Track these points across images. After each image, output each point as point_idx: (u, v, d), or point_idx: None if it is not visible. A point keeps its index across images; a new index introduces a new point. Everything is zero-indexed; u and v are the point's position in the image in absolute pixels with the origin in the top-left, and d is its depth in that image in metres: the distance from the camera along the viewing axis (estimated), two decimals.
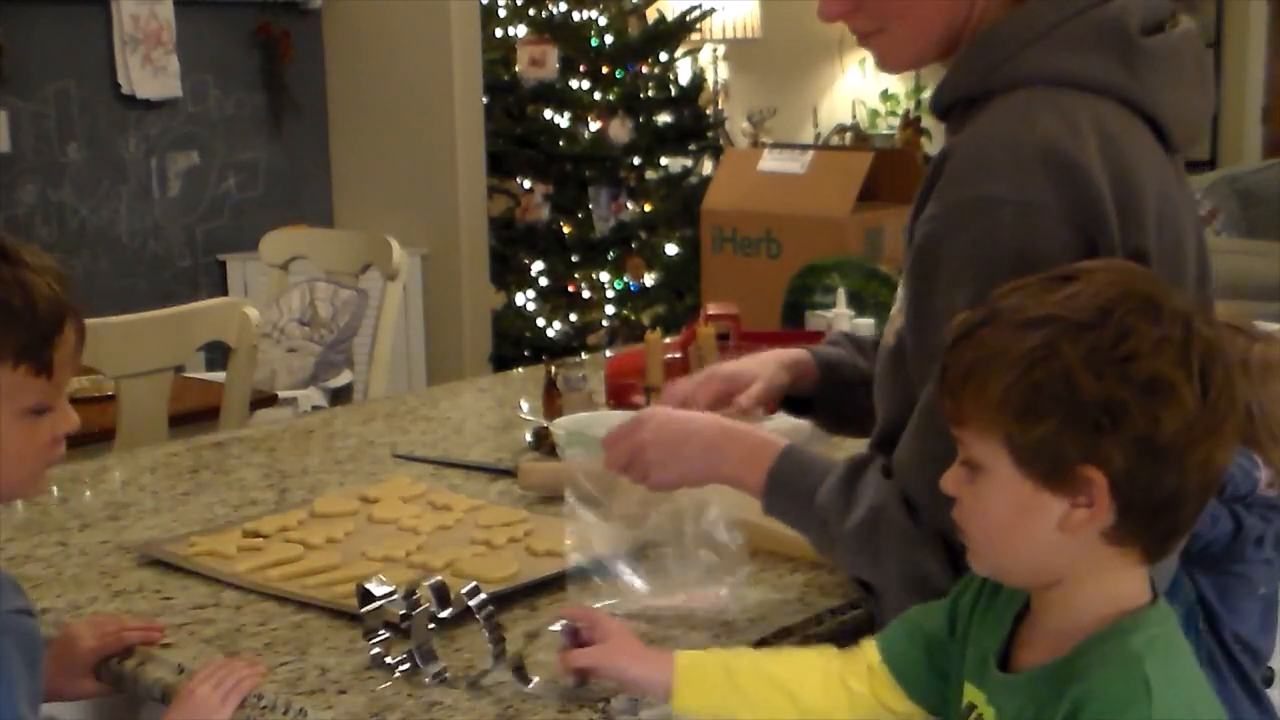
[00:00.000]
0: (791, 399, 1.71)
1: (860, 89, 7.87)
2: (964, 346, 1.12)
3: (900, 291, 1.42)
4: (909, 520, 1.30)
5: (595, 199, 5.47)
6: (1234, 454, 1.12)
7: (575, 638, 1.31)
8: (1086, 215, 1.23)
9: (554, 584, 1.56)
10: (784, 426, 2.10)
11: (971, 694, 1.19)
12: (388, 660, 1.38)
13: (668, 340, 2.34)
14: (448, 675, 1.37)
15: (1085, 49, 1.31)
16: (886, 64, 1.43)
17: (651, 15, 5.69)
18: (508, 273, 5.53)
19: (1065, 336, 1.06)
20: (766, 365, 1.68)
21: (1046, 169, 1.24)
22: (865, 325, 2.53)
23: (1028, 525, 1.09)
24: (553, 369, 2.27)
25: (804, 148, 5.40)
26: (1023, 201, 1.23)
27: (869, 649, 1.26)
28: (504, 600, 1.53)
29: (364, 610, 1.41)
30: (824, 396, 1.71)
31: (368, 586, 1.41)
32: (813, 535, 1.40)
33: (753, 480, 1.41)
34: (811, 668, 1.27)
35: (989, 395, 1.08)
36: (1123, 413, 1.05)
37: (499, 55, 5.45)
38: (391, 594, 1.41)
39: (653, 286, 5.51)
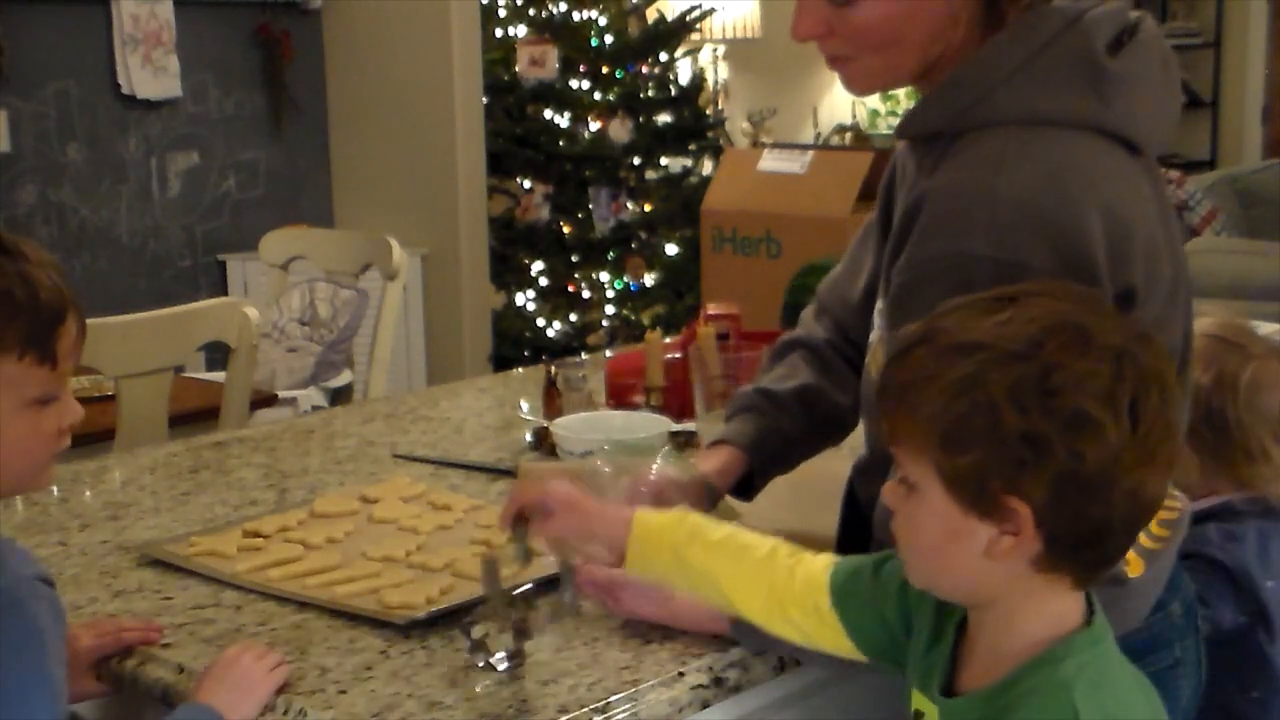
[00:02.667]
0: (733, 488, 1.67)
1: None
2: (900, 366, 1.12)
3: (876, 324, 1.43)
4: None
5: (595, 199, 5.47)
6: (1168, 483, 1.12)
7: (525, 522, 1.37)
8: (1071, 269, 1.22)
9: (554, 584, 1.56)
10: None
11: (919, 702, 1.20)
12: (491, 661, 1.38)
13: (668, 340, 2.34)
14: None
15: (1056, 85, 1.31)
16: (854, 88, 1.43)
17: (651, 15, 5.69)
18: (508, 273, 5.53)
19: (993, 366, 1.06)
20: (692, 494, 1.58)
21: (1027, 226, 1.24)
22: None
23: (956, 548, 1.10)
24: (553, 369, 2.27)
25: (804, 148, 5.40)
26: (1000, 259, 1.24)
27: (819, 591, 1.27)
28: None
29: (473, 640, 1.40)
30: (763, 479, 1.67)
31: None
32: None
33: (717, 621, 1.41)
34: (758, 584, 1.29)
35: (919, 419, 1.09)
36: (1045, 447, 1.05)
37: (499, 55, 5.46)
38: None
39: (653, 286, 5.51)
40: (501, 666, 1.37)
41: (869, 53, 1.37)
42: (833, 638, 1.27)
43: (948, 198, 1.29)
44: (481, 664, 1.37)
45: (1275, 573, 1.82)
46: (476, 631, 1.39)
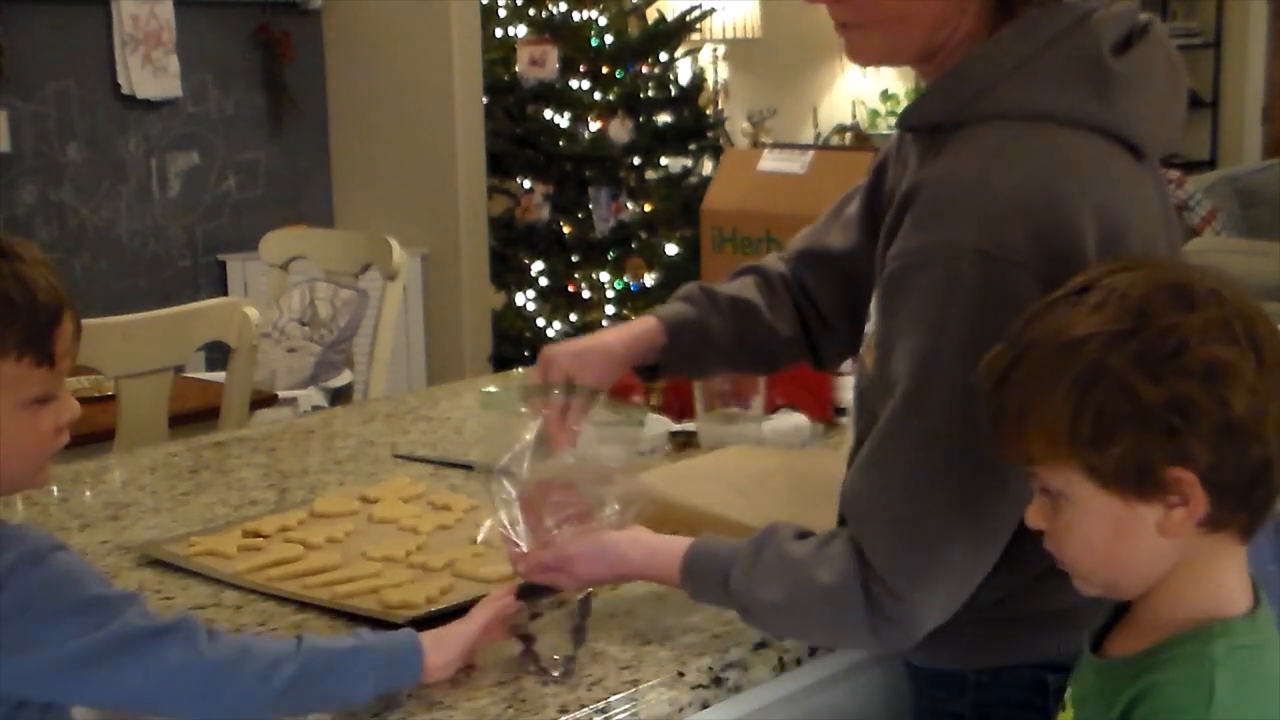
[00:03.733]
0: (640, 368, 1.67)
1: (860, 89, 7.87)
2: (1006, 391, 1.10)
3: (873, 314, 1.43)
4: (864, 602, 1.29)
5: (595, 199, 5.47)
6: None
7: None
8: (1059, 267, 1.21)
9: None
10: (783, 426, 2.10)
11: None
12: (545, 666, 1.38)
13: None
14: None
15: (1059, 83, 1.31)
16: (856, 57, 1.44)
17: (651, 15, 5.68)
18: (508, 273, 5.53)
19: (1110, 350, 1.05)
20: (594, 365, 1.58)
21: (1017, 220, 1.24)
22: None
23: (1128, 540, 1.09)
24: None
25: (804, 148, 5.39)
26: (987, 251, 1.23)
27: None
28: None
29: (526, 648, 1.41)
30: (671, 363, 1.67)
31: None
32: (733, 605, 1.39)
33: (668, 571, 1.41)
34: None
35: (1054, 430, 1.07)
36: (1191, 407, 1.04)
37: (499, 55, 5.45)
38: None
39: (653, 286, 5.50)
40: (557, 672, 1.36)
41: (875, 25, 1.38)
42: None
43: (941, 188, 1.29)
44: (533, 669, 1.37)
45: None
46: (541, 645, 1.39)
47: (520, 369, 2.94)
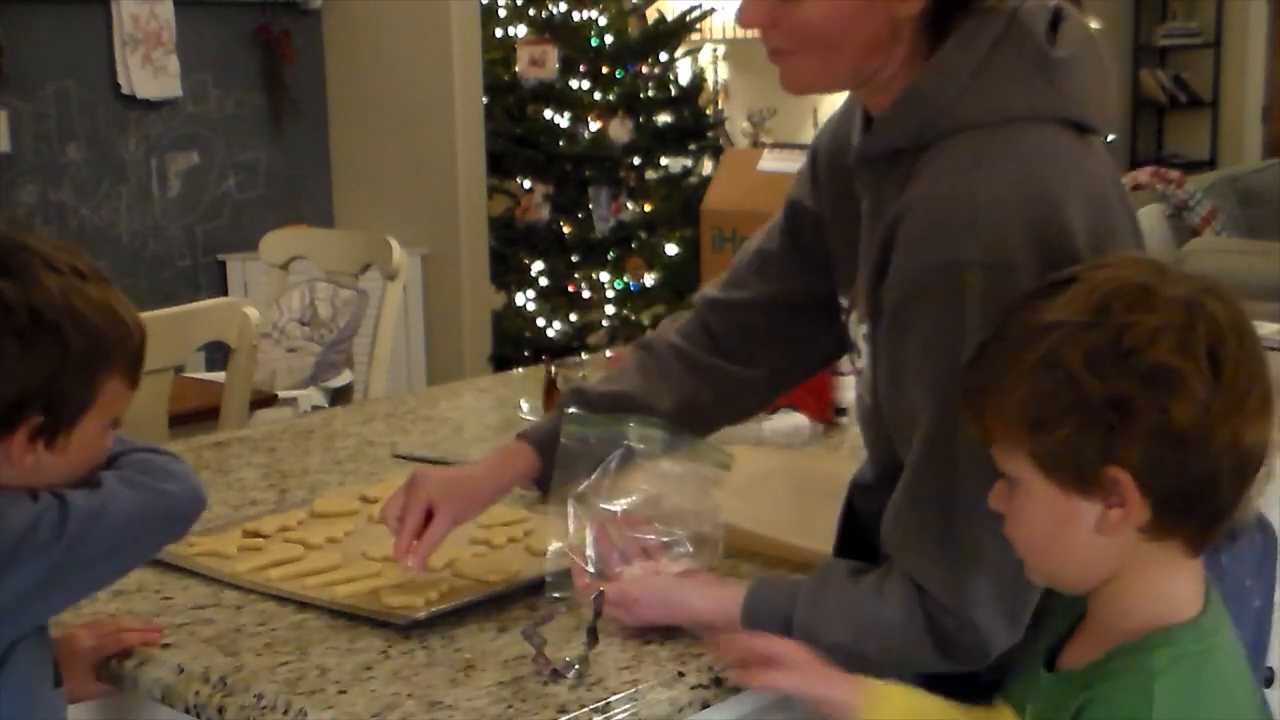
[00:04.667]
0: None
1: None
2: (976, 369, 1.12)
3: (863, 350, 1.43)
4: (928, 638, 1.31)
5: (595, 199, 5.47)
6: (1269, 429, 1.10)
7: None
8: (1055, 264, 1.22)
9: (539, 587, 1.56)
10: (783, 426, 2.10)
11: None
12: (559, 670, 1.37)
13: None
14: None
15: (1014, 82, 1.33)
16: (790, 85, 1.43)
17: (651, 15, 5.69)
18: (508, 273, 5.53)
19: (1066, 340, 1.07)
20: (458, 499, 1.56)
21: (1010, 226, 1.25)
22: None
23: (1067, 532, 1.10)
24: (553, 369, 2.27)
25: (804, 148, 5.39)
26: (988, 263, 1.24)
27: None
28: (504, 600, 1.54)
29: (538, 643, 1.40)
30: (554, 478, 1.63)
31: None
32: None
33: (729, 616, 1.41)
34: None
35: (1005, 411, 1.09)
36: (1131, 408, 1.05)
37: (499, 55, 5.45)
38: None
39: (653, 286, 5.51)
40: (570, 674, 1.36)
41: (807, 51, 1.38)
42: None
43: (927, 209, 1.29)
44: (545, 674, 1.36)
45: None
46: (551, 648, 1.38)
47: (520, 369, 2.94)
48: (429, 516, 1.53)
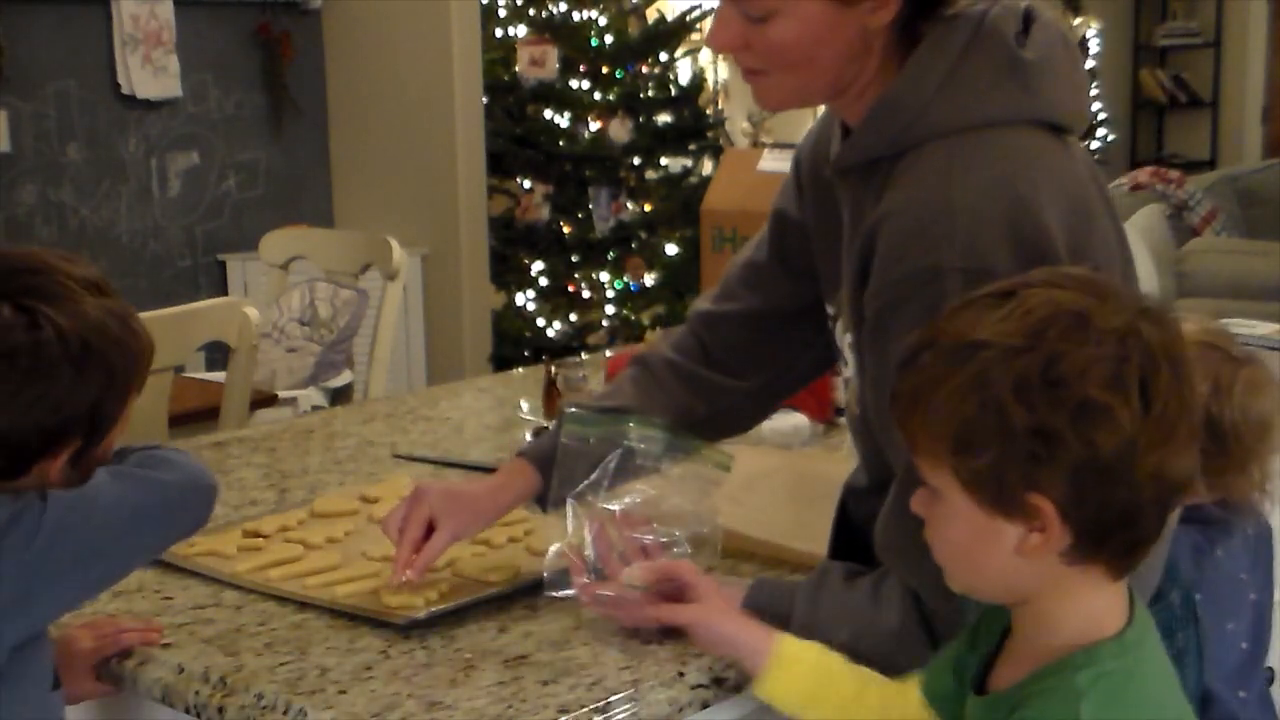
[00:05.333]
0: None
1: None
2: (908, 373, 1.11)
3: (849, 359, 1.43)
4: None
5: (595, 199, 5.47)
6: (1193, 458, 1.09)
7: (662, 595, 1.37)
8: (1036, 265, 1.21)
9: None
10: (783, 426, 2.10)
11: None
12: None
13: None
14: None
15: (985, 87, 1.33)
16: (765, 103, 1.44)
17: (651, 15, 5.68)
18: (508, 273, 5.53)
19: (996, 364, 1.05)
20: (460, 513, 1.56)
21: (988, 231, 1.25)
22: None
23: (986, 549, 1.09)
24: (553, 369, 2.27)
25: None
26: (967, 269, 1.24)
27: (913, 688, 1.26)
28: (504, 600, 1.54)
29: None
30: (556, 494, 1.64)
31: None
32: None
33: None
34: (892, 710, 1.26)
35: (931, 425, 1.08)
36: (1057, 441, 1.03)
37: (499, 55, 5.45)
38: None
39: (653, 286, 5.51)
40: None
41: (781, 70, 1.38)
42: None
43: (905, 217, 1.29)
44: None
45: (1208, 585, 1.76)
46: None
47: (520, 369, 2.94)
48: (429, 530, 1.53)
